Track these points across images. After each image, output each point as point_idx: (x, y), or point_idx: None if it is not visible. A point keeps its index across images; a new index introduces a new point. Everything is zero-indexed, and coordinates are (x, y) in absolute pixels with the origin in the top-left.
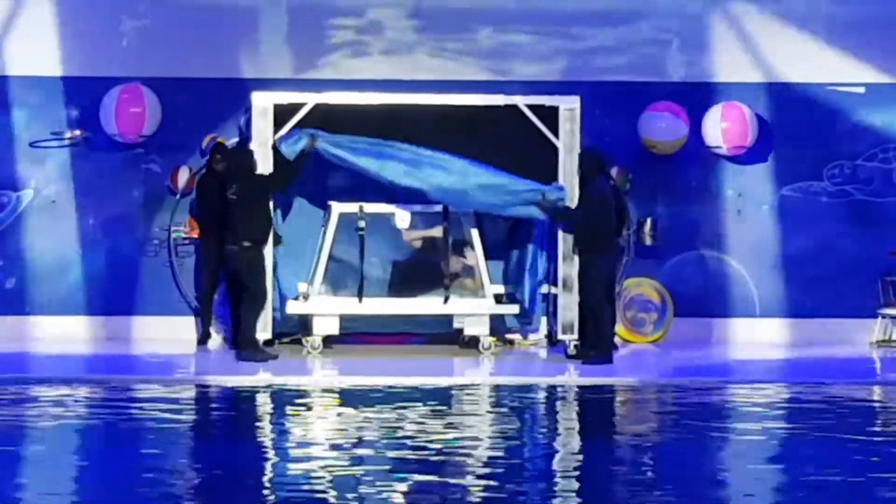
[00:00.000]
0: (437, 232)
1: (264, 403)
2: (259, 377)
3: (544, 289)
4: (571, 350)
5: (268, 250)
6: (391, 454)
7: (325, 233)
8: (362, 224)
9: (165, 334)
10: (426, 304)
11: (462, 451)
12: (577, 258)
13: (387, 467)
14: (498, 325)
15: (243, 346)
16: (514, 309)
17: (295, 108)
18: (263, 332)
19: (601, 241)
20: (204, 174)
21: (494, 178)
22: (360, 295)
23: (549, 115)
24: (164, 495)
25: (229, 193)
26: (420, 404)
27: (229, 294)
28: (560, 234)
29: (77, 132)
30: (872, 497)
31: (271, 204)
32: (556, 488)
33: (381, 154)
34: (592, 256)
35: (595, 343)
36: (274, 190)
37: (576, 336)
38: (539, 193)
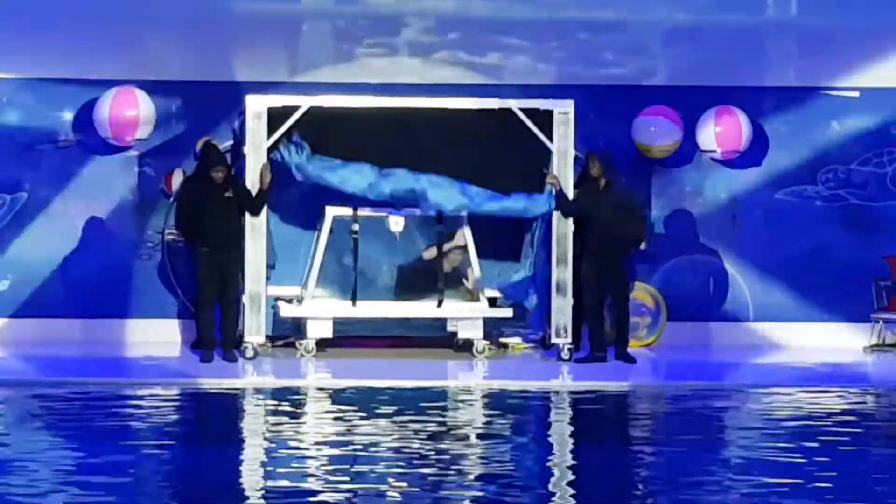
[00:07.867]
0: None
1: (258, 405)
2: (252, 380)
3: None
4: (565, 354)
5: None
6: (383, 457)
7: (318, 236)
8: (356, 227)
9: (159, 337)
10: (420, 308)
11: (454, 454)
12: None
13: (379, 469)
14: (492, 329)
15: (233, 346)
16: (507, 312)
17: (289, 111)
18: (258, 334)
19: (586, 241)
20: (191, 177)
21: (490, 203)
22: (353, 298)
23: (544, 119)
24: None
25: (226, 195)
26: (413, 407)
27: (203, 296)
28: (554, 238)
29: (70, 135)
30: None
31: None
32: (547, 492)
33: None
34: (582, 258)
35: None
36: (252, 212)
37: (569, 340)
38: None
